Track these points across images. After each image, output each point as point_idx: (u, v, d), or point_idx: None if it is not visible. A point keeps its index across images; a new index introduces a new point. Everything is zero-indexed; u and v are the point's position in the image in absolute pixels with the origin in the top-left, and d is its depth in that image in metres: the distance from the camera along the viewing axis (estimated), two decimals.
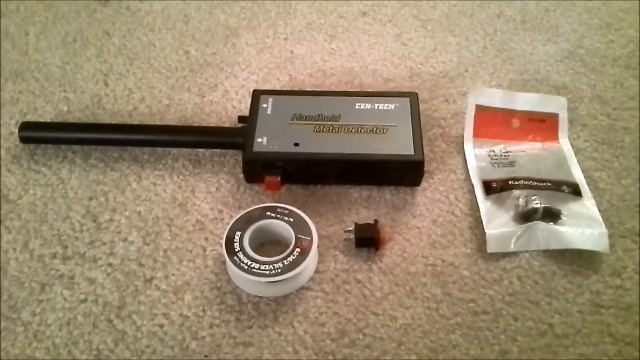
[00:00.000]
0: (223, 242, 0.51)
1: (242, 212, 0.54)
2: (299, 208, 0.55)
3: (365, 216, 0.58)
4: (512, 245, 0.55)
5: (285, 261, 0.50)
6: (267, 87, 0.71)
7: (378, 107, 0.63)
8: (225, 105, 0.69)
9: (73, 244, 0.55)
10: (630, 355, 0.49)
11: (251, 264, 0.50)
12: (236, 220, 0.53)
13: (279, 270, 0.50)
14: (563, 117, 0.65)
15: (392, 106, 0.63)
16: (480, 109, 0.64)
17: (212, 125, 0.67)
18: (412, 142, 0.59)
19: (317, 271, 0.53)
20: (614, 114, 0.69)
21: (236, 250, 0.51)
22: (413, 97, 0.64)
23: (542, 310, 0.51)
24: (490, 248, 0.55)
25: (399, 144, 0.59)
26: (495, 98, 0.65)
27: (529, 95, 0.65)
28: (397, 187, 0.60)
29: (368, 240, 0.54)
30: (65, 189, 0.59)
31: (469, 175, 0.61)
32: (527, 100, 0.65)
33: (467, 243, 0.56)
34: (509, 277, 0.53)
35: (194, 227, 0.56)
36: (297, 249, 0.51)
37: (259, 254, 0.51)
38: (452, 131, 0.66)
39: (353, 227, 0.55)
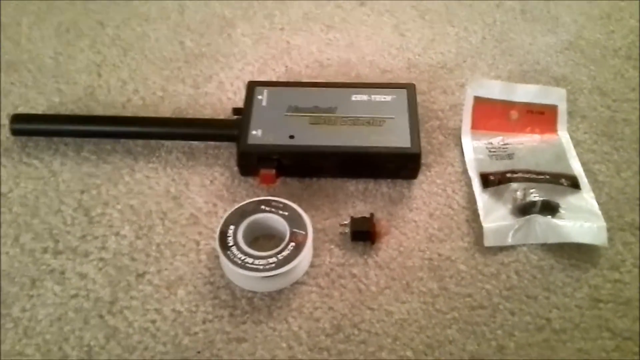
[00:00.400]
0: (216, 236, 0.51)
1: (236, 206, 0.53)
2: (294, 201, 0.54)
3: (362, 209, 0.57)
4: (509, 239, 0.54)
5: (279, 256, 0.50)
6: (262, 78, 0.70)
7: (375, 98, 0.62)
8: (220, 97, 0.68)
9: (64, 238, 0.54)
10: (629, 350, 0.48)
11: (245, 258, 0.49)
12: (230, 214, 0.52)
13: (273, 265, 0.49)
14: (562, 108, 0.64)
15: (389, 98, 0.62)
16: (478, 100, 0.63)
17: (206, 117, 0.66)
18: (409, 134, 0.58)
19: (312, 265, 0.52)
20: (614, 106, 0.68)
21: (230, 244, 0.50)
22: (410, 89, 0.63)
23: (540, 305, 0.50)
24: (488, 242, 0.54)
25: (396, 137, 0.58)
26: (494, 89, 0.64)
27: (527, 87, 0.64)
28: (393, 180, 0.59)
29: (364, 234, 0.54)
30: (57, 182, 0.58)
31: (467, 168, 0.60)
32: (526, 91, 0.64)
33: (464, 237, 0.55)
34: (506, 271, 0.53)
35: (188, 221, 0.55)
36: (292, 243, 0.51)
37: (253, 249, 0.50)
38: (450, 123, 0.66)
39: (349, 220, 0.54)
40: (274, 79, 0.70)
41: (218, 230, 0.51)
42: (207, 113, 0.66)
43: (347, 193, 0.58)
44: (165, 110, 0.66)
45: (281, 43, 0.75)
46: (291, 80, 0.70)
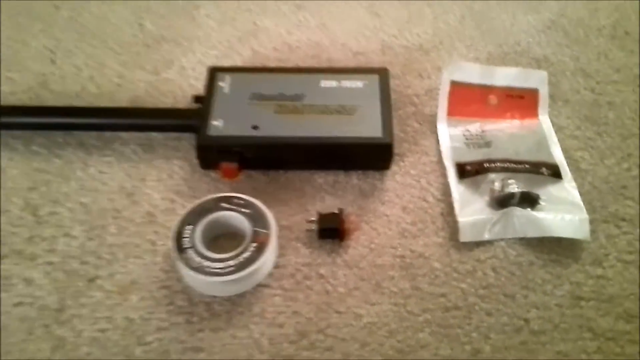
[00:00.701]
0: (171, 238, 0.47)
1: (194, 204, 0.49)
2: (258, 196, 0.51)
3: (331, 204, 0.53)
4: (486, 234, 0.51)
5: (240, 257, 0.46)
6: (227, 62, 0.66)
7: (345, 85, 0.58)
8: (181, 84, 0.64)
9: (10, 240, 0.50)
10: (611, 352, 0.45)
11: (203, 261, 0.46)
12: (187, 214, 0.49)
13: (233, 268, 0.46)
14: (543, 92, 0.61)
15: (360, 84, 0.58)
16: (455, 85, 0.60)
17: (166, 105, 0.61)
18: (381, 123, 0.55)
19: (276, 266, 0.49)
20: (597, 88, 0.65)
21: (186, 246, 0.47)
22: (383, 74, 0.59)
23: (518, 304, 0.47)
24: (463, 237, 0.51)
25: (367, 126, 0.54)
26: (472, 73, 0.60)
27: (507, 70, 0.61)
28: (365, 171, 0.56)
29: (332, 231, 0.50)
30: (4, 179, 0.54)
31: (442, 157, 0.57)
32: (505, 75, 0.60)
33: (438, 231, 0.52)
34: (482, 269, 0.49)
35: (143, 220, 0.51)
36: (254, 244, 0.47)
37: (212, 250, 0.47)
38: (425, 109, 0.62)
39: (316, 217, 0.51)
40: (240, 64, 0.66)
41: (173, 231, 0.47)
42: (167, 101, 0.62)
43: (315, 186, 0.55)
44: (123, 99, 0.62)
45: (248, 25, 0.71)
46: (258, 64, 0.66)
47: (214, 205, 0.49)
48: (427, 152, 0.58)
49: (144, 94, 0.62)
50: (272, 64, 0.66)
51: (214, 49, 0.68)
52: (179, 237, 0.47)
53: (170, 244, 0.47)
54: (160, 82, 0.64)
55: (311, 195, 0.54)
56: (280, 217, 0.52)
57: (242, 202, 0.50)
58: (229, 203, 0.49)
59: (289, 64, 0.66)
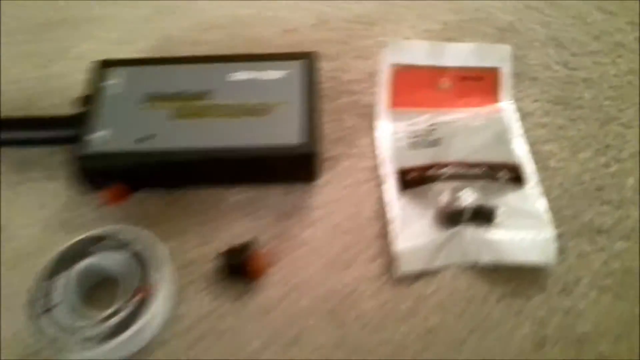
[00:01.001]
0: (27, 298, 0.37)
1: (60, 248, 0.39)
2: (152, 225, 0.42)
3: (244, 230, 0.44)
4: (430, 261, 0.42)
5: (120, 315, 0.37)
6: (130, 49, 0.56)
7: (261, 76, 0.48)
8: (75, 79, 0.53)
9: None
10: None
11: (71, 323, 0.37)
12: (50, 263, 0.39)
13: (109, 330, 0.36)
14: (506, 71, 0.50)
15: (278, 74, 0.48)
16: (397, 69, 0.49)
17: (56, 108, 0.51)
18: (302, 125, 0.44)
19: (172, 317, 0.40)
20: (572, 62, 0.54)
21: (49, 305, 0.37)
22: (308, 60, 0.49)
23: (468, 353, 0.39)
24: (403, 266, 0.42)
25: (284, 129, 0.44)
26: (418, 53, 0.50)
27: (461, 46, 0.50)
28: (290, 183, 0.46)
29: (240, 268, 0.41)
30: None
31: (381, 162, 0.47)
32: (459, 52, 0.50)
33: (373, 260, 0.42)
34: (425, 307, 0.40)
35: (9, 264, 0.42)
36: (139, 294, 0.38)
37: (86, 305, 0.38)
38: (365, 98, 0.52)
39: (222, 251, 0.41)
40: (145, 50, 0.56)
41: (30, 288, 0.38)
42: (57, 102, 0.51)
43: (225, 208, 0.45)
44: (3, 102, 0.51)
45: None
46: (168, 50, 0.56)
47: (85, 247, 0.39)
48: (365, 154, 0.48)
49: (28, 95, 0.52)
50: (185, 48, 0.56)
51: (115, 32, 0.57)
52: (39, 295, 0.37)
53: (25, 306, 0.37)
54: (49, 78, 0.53)
55: (220, 219, 0.44)
56: (180, 250, 0.42)
57: (125, 238, 0.40)
58: (107, 242, 0.40)
59: (205, 48, 0.55)
